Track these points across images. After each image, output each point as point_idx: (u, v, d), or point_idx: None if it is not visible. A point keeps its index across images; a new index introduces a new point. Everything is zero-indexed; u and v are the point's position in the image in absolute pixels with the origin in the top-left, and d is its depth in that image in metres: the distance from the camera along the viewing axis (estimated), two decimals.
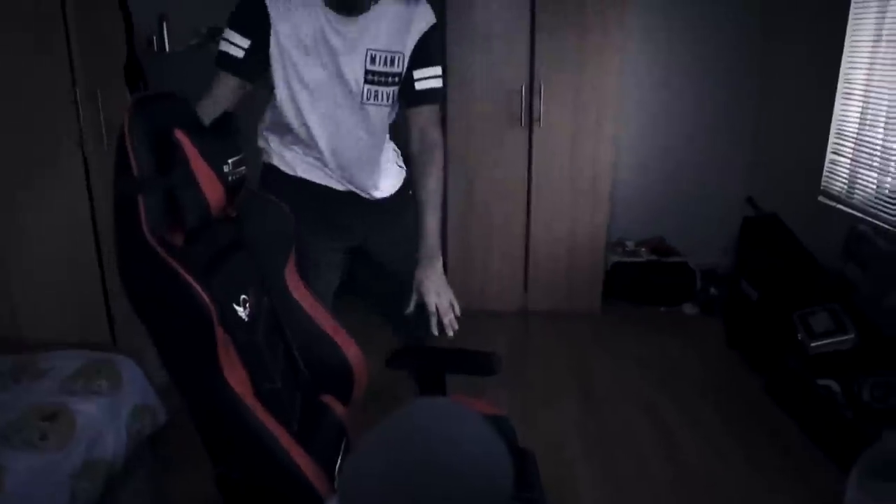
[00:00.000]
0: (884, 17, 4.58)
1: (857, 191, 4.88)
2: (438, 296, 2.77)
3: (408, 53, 2.79)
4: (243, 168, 2.12)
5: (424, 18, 2.81)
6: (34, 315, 3.70)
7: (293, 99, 2.71)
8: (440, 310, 2.74)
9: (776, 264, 4.78)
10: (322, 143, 2.80)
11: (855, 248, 4.41)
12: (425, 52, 2.85)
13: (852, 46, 4.92)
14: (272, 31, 2.60)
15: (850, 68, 4.96)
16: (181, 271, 1.75)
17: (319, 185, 2.91)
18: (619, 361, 5.15)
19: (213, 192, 1.96)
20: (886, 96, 4.57)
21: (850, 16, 4.88)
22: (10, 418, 2.52)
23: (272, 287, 2.35)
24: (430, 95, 2.93)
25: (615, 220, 6.32)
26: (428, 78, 2.89)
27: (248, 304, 2.12)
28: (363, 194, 2.99)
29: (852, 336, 4.09)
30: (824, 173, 5.22)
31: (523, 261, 5.91)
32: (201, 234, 2.01)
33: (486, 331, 5.16)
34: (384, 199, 3.06)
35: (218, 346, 1.83)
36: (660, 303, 6.13)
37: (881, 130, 4.64)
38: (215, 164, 1.96)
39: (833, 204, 5.05)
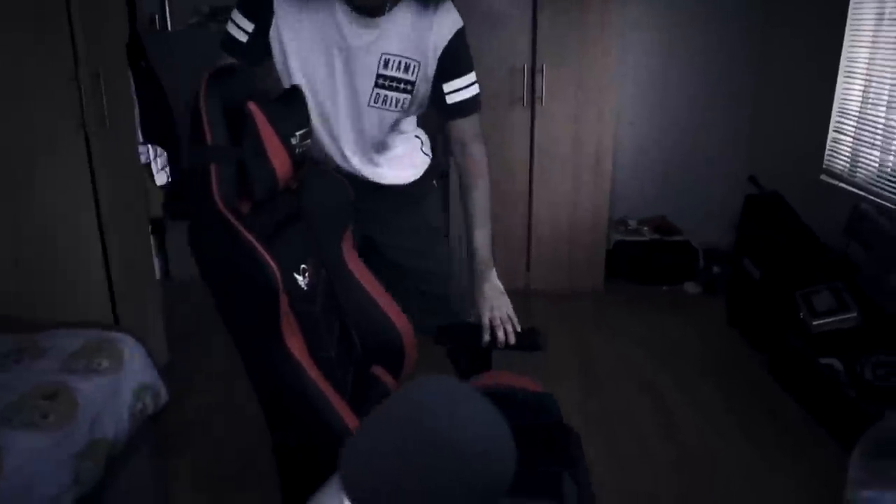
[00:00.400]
0: None
1: (859, 169, 4.87)
2: (492, 309, 2.69)
3: (429, 63, 2.67)
4: (309, 141, 2.21)
5: (447, 26, 2.66)
6: (36, 296, 3.69)
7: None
8: (493, 322, 2.67)
9: (779, 243, 4.78)
10: (321, 135, 2.74)
11: (857, 226, 4.40)
12: (453, 63, 2.72)
13: (854, 25, 4.91)
14: (273, 20, 2.53)
15: (852, 47, 4.94)
16: (251, 239, 1.83)
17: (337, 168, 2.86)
18: (621, 341, 5.16)
19: (280, 163, 2.01)
20: (889, 75, 4.56)
21: None
22: (9, 399, 2.50)
23: (329, 259, 2.41)
24: (464, 107, 2.79)
25: (617, 198, 6.34)
26: (459, 90, 2.75)
27: (307, 274, 2.19)
28: (379, 181, 2.92)
29: (855, 315, 4.10)
30: (826, 152, 5.21)
31: (526, 240, 5.92)
32: (266, 203, 2.08)
33: None
34: (403, 187, 3.00)
35: (281, 313, 1.88)
36: (662, 282, 6.14)
37: (883, 109, 4.63)
38: (284, 136, 2.02)
39: (835, 182, 5.05)
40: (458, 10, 2.70)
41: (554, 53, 5.48)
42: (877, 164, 4.69)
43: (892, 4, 4.50)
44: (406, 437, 1.28)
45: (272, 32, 2.55)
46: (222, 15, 5.66)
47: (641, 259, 6.14)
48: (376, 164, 2.88)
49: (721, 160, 6.47)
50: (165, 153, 4.88)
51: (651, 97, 6.40)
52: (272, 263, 1.82)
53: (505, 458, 1.32)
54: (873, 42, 4.72)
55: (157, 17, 5.67)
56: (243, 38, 2.56)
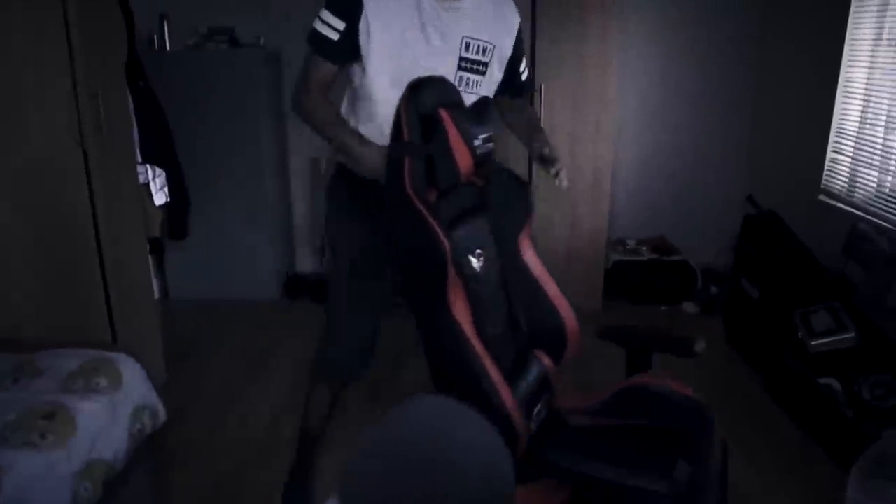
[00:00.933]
0: (884, 16, 4.58)
1: (857, 189, 4.88)
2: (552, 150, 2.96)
3: (504, 47, 2.90)
4: (492, 144, 2.53)
5: (516, 15, 2.95)
6: (34, 315, 3.69)
7: (378, 86, 2.69)
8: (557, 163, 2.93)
9: (777, 263, 4.77)
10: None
11: (856, 246, 4.41)
12: (523, 46, 3.04)
13: (852, 45, 4.92)
14: (363, 12, 2.57)
15: (850, 67, 4.96)
16: (429, 218, 2.22)
17: None
18: (619, 360, 5.14)
19: (463, 161, 2.39)
20: (887, 95, 4.57)
21: (851, 14, 4.88)
22: (8, 419, 2.50)
23: (506, 249, 2.68)
24: (530, 81, 3.22)
25: (616, 218, 6.35)
26: (525, 69, 3.12)
27: (481, 258, 2.53)
28: None
29: (853, 335, 4.10)
30: (825, 172, 5.22)
31: None
32: (451, 194, 2.47)
33: None
34: None
35: (448, 283, 2.24)
36: (661, 301, 6.13)
37: (882, 129, 4.64)
38: (468, 139, 2.38)
39: (833, 202, 5.05)
40: None
41: (552, 75, 5.48)
42: (875, 185, 4.69)
43: (891, 24, 4.52)
44: (403, 457, 1.28)
45: (361, 25, 2.60)
46: (220, 36, 5.69)
47: (640, 279, 6.14)
48: None
49: (719, 180, 6.48)
50: (164, 173, 4.87)
51: (649, 118, 6.41)
52: (445, 241, 2.19)
53: (502, 475, 1.33)
54: (871, 63, 4.74)
55: (155, 37, 5.69)
56: (334, 36, 2.63)
